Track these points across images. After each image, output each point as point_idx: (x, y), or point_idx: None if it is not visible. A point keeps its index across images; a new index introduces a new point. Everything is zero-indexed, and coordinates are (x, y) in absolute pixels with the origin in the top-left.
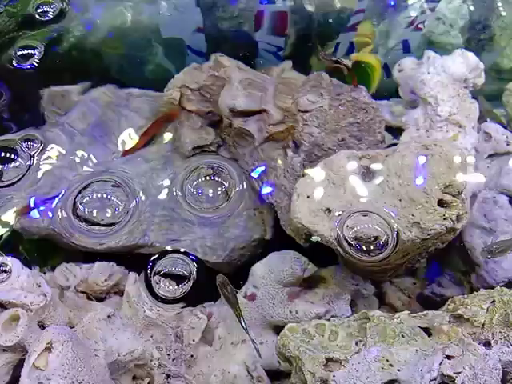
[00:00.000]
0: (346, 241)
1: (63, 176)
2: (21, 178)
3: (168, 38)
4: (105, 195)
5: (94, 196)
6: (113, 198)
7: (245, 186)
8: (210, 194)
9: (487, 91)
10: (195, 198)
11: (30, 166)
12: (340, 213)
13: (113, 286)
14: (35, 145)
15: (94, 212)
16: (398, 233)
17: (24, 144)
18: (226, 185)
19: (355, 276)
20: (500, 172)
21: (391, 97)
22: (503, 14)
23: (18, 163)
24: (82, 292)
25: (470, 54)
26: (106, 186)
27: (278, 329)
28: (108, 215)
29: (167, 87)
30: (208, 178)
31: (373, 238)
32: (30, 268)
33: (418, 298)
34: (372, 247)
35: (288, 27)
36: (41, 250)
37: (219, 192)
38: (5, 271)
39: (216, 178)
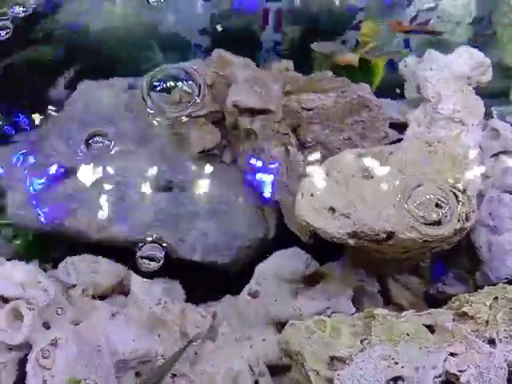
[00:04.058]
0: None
1: None
2: None
3: (171, 37)
4: None
5: None
6: None
7: None
8: None
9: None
10: None
11: None
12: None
13: (117, 286)
14: None
15: None
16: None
17: None
18: None
19: (359, 272)
20: (506, 170)
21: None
22: (506, 9)
23: None
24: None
25: (475, 51)
26: None
27: (280, 325)
28: None
29: None
30: None
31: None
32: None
33: (425, 298)
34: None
35: (286, 24)
36: (39, 244)
37: None
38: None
39: None
